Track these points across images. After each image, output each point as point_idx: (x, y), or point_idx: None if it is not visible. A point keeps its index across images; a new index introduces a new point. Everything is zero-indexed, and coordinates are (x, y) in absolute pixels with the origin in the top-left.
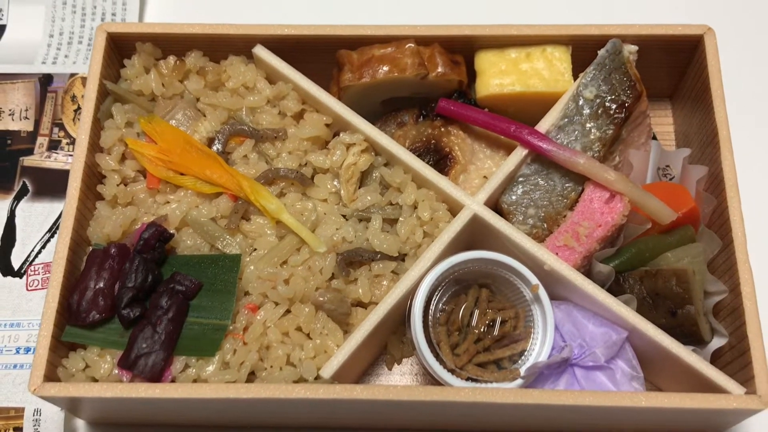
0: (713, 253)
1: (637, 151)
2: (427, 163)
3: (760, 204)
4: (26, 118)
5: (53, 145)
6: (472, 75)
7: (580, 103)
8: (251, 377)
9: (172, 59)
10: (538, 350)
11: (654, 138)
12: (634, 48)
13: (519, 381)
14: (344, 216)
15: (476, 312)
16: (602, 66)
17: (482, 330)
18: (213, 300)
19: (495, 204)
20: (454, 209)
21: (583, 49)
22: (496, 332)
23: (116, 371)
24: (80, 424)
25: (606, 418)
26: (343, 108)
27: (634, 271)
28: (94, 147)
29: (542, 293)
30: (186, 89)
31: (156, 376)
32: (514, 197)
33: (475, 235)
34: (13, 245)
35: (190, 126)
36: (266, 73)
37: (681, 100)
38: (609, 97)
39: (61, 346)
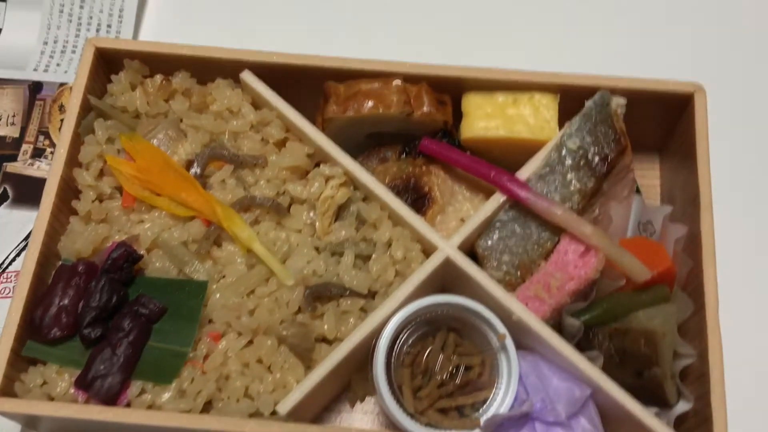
0: (686, 315)
1: (618, 205)
2: (406, 201)
3: (736, 269)
4: (13, 124)
5: (37, 153)
6: (458, 115)
7: (563, 153)
8: (207, 407)
9: (158, 78)
10: (501, 400)
11: (638, 192)
12: (622, 101)
13: (478, 430)
14: (317, 249)
15: (442, 356)
16: (588, 117)
17: (446, 376)
18: (176, 325)
19: (471, 247)
20: (428, 250)
21: (572, 98)
22: (459, 379)
23: (73, 390)
24: None
25: None
26: (326, 140)
27: (604, 327)
28: (73, 161)
29: (509, 343)
30: (170, 109)
31: (111, 398)
32: (489, 242)
33: (448, 277)
34: None
35: (171, 146)
36: (252, 99)
37: (669, 155)
38: (592, 149)
39: (20, 361)
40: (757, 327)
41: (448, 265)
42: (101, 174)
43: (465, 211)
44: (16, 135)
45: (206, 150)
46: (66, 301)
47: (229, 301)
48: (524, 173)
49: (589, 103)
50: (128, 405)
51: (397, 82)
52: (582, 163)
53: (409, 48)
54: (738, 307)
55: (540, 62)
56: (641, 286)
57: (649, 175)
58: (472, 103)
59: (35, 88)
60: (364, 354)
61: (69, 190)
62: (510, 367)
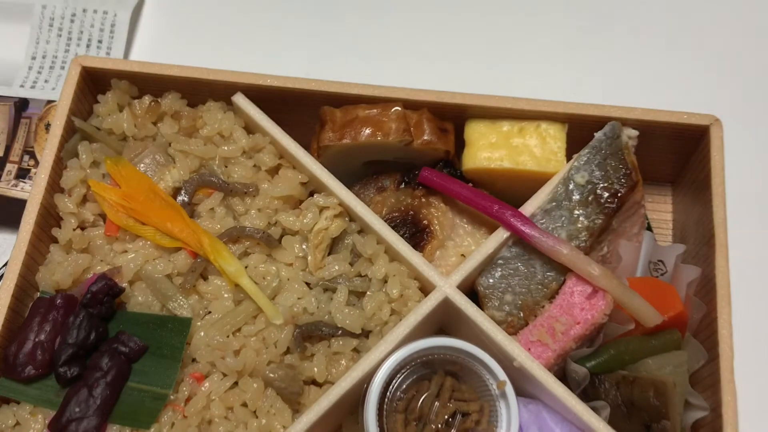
0: (698, 364)
1: (628, 243)
2: (404, 234)
3: (754, 316)
4: None
5: (22, 174)
6: (461, 144)
7: (570, 187)
8: None
9: (147, 99)
10: None
11: (649, 228)
12: (634, 133)
13: None
14: (308, 284)
15: (437, 403)
16: (598, 150)
17: (442, 424)
18: (157, 365)
19: (471, 285)
20: (425, 288)
21: (581, 129)
22: (456, 429)
23: None
24: None
25: None
26: (320, 168)
27: (611, 375)
28: (54, 186)
29: (509, 391)
30: (159, 132)
31: None
32: (491, 281)
33: (446, 317)
34: None
35: (158, 172)
36: (245, 123)
37: (682, 188)
38: (601, 185)
39: None
40: None
41: (446, 304)
42: (84, 200)
43: (466, 246)
44: (0, 154)
45: (195, 177)
46: (42, 337)
47: (213, 340)
48: (529, 208)
49: (599, 135)
50: None
51: (397, 108)
52: (590, 198)
53: (411, 73)
54: (756, 358)
55: (548, 90)
56: (651, 330)
57: (660, 209)
58: (475, 131)
59: (21, 105)
60: (355, 397)
61: (50, 217)
62: (510, 415)
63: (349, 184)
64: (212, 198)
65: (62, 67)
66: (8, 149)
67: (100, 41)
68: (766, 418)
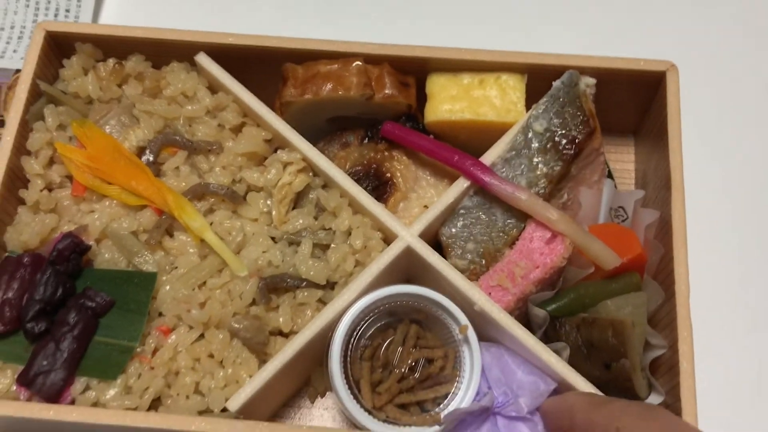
0: (656, 304)
1: (588, 190)
2: (367, 188)
3: (708, 255)
4: None
5: None
6: (422, 98)
7: (529, 135)
8: (156, 404)
9: (111, 62)
10: (463, 394)
11: (610, 176)
12: (591, 81)
13: (437, 427)
14: (273, 238)
15: (401, 349)
16: (556, 98)
17: (407, 369)
18: (123, 319)
19: (435, 235)
20: (389, 239)
21: (540, 79)
22: (419, 373)
23: (15, 387)
24: None
25: None
26: (283, 124)
27: (572, 318)
28: (21, 149)
29: (471, 335)
30: (123, 94)
31: (54, 396)
32: (453, 230)
33: (410, 267)
34: None
35: (123, 133)
36: (208, 83)
37: (644, 138)
38: (560, 132)
39: None
40: (731, 317)
41: (409, 253)
42: (51, 162)
43: (429, 198)
44: None
45: (159, 136)
46: (10, 295)
47: (179, 294)
48: (489, 157)
49: (556, 84)
50: (72, 402)
51: (358, 63)
52: (549, 146)
53: (371, 28)
54: (711, 296)
55: (507, 42)
56: (611, 273)
57: (624, 159)
58: (436, 84)
59: None
60: (322, 346)
61: (17, 179)
62: (472, 359)
63: (313, 141)
64: (177, 157)
65: (30, 37)
66: None
67: (67, 10)
68: (720, 353)
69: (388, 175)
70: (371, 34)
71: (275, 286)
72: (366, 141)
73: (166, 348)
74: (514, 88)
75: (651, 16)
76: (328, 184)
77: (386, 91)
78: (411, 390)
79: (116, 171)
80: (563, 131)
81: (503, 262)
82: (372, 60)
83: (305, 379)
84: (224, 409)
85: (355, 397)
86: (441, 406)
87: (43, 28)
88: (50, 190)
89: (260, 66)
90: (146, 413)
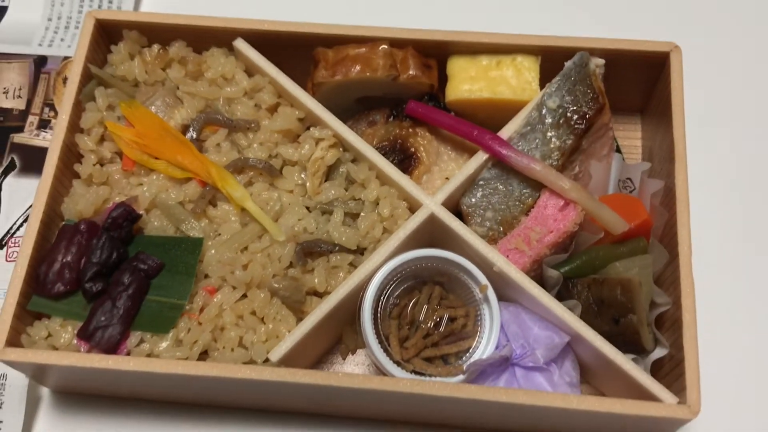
0: (661, 264)
1: (598, 163)
2: (393, 161)
3: (709, 220)
4: (19, 96)
5: (43, 124)
6: (443, 79)
7: (543, 111)
8: (203, 356)
9: (156, 47)
10: (483, 348)
11: (618, 151)
12: (600, 61)
13: (461, 376)
14: (308, 208)
15: (426, 308)
16: (568, 77)
17: (431, 326)
18: (173, 280)
19: (456, 205)
20: (414, 207)
21: (552, 60)
22: (442, 329)
23: (75, 341)
24: (44, 391)
25: (541, 418)
26: (315, 104)
27: (583, 278)
28: (75, 127)
29: (491, 294)
30: (167, 77)
31: (111, 348)
32: (473, 200)
33: (433, 234)
34: None
35: (168, 112)
36: (245, 66)
37: (649, 115)
38: (571, 108)
39: (27, 315)
40: (731, 275)
41: (432, 221)
42: (102, 139)
43: (450, 170)
44: (23, 107)
45: (201, 115)
46: (69, 258)
47: (223, 257)
48: (506, 132)
49: (568, 64)
50: (128, 354)
51: (384, 46)
52: (561, 121)
53: (396, 13)
54: (712, 256)
55: (522, 26)
56: (619, 238)
57: (631, 136)
58: (456, 66)
59: (40, 62)
60: (353, 306)
61: (71, 155)
62: (492, 317)
63: (343, 120)
64: (218, 134)
65: (76, 27)
66: (30, 102)
67: (110, 1)
68: (721, 308)
69: (413, 149)
70: (396, 20)
71: (310, 250)
72: (391, 119)
73: (212, 306)
74: (528, 68)
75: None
76: (357, 158)
77: (410, 72)
78: (435, 345)
79: (163, 147)
80: (575, 107)
81: (520, 227)
82: (397, 44)
83: (338, 336)
84: (266, 360)
85: (386, 351)
86: (463, 359)
87: (92, 16)
88: (102, 164)
89: (293, 50)
90: (196, 362)
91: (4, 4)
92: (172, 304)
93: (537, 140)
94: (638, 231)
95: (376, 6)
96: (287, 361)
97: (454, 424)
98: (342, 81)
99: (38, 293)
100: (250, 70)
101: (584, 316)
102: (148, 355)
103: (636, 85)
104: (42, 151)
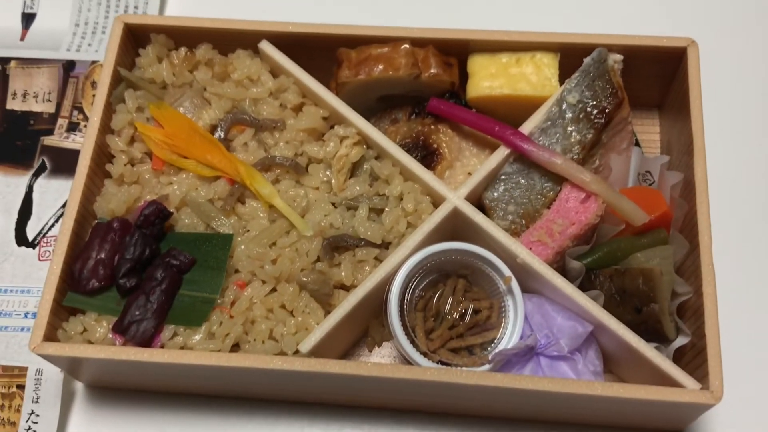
0: (682, 254)
1: (618, 156)
2: (415, 157)
3: (728, 210)
4: (49, 100)
5: (72, 127)
6: (464, 76)
7: (563, 107)
8: (235, 348)
9: (183, 50)
10: (508, 339)
11: (637, 144)
12: (619, 57)
13: (487, 366)
14: (333, 204)
15: (451, 300)
16: (587, 73)
17: (456, 317)
18: (204, 275)
19: (478, 200)
20: (437, 202)
21: (571, 57)
22: (467, 320)
23: (110, 335)
24: (78, 386)
25: (567, 406)
26: (340, 103)
27: (605, 269)
28: (106, 129)
29: (515, 285)
30: (195, 79)
31: (146, 341)
32: (495, 194)
33: (457, 228)
34: (29, 218)
35: (196, 113)
36: (270, 67)
37: (667, 110)
38: (591, 103)
39: (62, 310)
40: (750, 264)
41: (456, 215)
42: (132, 140)
43: (472, 165)
44: (52, 111)
45: (229, 115)
46: (103, 255)
47: (253, 252)
48: (527, 128)
49: (587, 60)
50: (162, 347)
51: (406, 45)
52: (581, 116)
53: (417, 13)
54: (731, 246)
55: (541, 23)
56: (640, 230)
57: (650, 131)
58: (477, 63)
59: (69, 66)
60: (379, 300)
61: (103, 156)
62: (516, 308)
63: (366, 118)
64: (245, 134)
65: (103, 32)
66: (59, 106)
67: (136, 7)
68: (741, 296)
69: (435, 146)
70: (417, 20)
71: (337, 245)
72: (413, 116)
73: (243, 299)
74: (548, 65)
75: None
76: (381, 155)
77: (432, 71)
78: (460, 336)
79: (192, 146)
80: (594, 102)
81: (542, 220)
82: (418, 43)
83: (363, 330)
84: (296, 352)
85: (412, 342)
86: (488, 349)
87: (121, 21)
88: (133, 164)
89: (317, 51)
90: (229, 354)
91: (34, 11)
92: (204, 299)
93: (557, 135)
94: (658, 222)
95: (397, 7)
96: (317, 352)
97: (478, 414)
98: (365, 80)
99: (73, 289)
100: (275, 71)
101: (607, 306)
102: (182, 348)
103: (654, 80)
104: (71, 153)
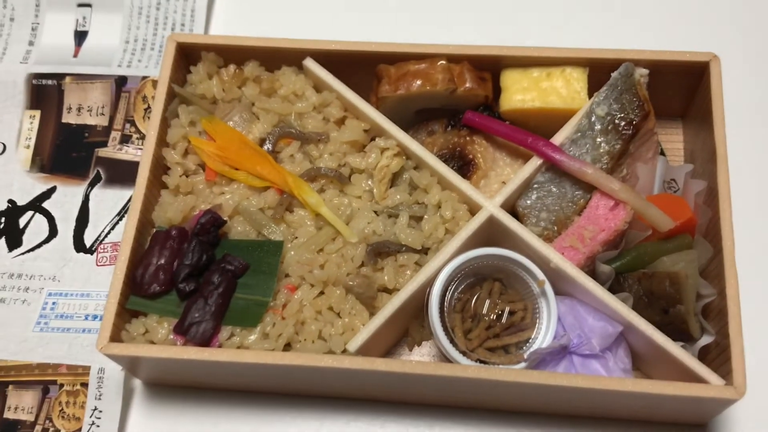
0: (706, 259)
1: (644, 165)
2: (452, 167)
3: (750, 216)
4: (102, 114)
5: (124, 139)
6: (497, 90)
7: (593, 119)
8: (287, 348)
9: (232, 67)
10: (542, 338)
11: (662, 153)
12: (645, 71)
13: (522, 364)
14: (376, 212)
15: (488, 302)
16: (614, 87)
17: (493, 318)
18: (257, 279)
19: (512, 207)
20: (473, 210)
21: (599, 71)
22: (504, 321)
23: (171, 336)
24: (137, 383)
25: (599, 401)
26: (380, 116)
27: (633, 273)
28: (161, 142)
29: (548, 288)
30: (243, 94)
31: (205, 341)
32: (528, 201)
33: (492, 234)
34: (86, 226)
35: (245, 127)
36: (314, 83)
37: (690, 120)
38: (619, 115)
39: (125, 313)
40: None
41: (491, 222)
42: (186, 153)
43: (506, 175)
44: (106, 124)
45: (276, 129)
46: (162, 261)
47: (302, 258)
48: (558, 139)
49: (615, 74)
50: (220, 347)
51: (442, 62)
52: (610, 127)
53: (452, 31)
54: (753, 250)
55: (570, 40)
56: (666, 235)
57: (673, 140)
58: (509, 78)
59: (120, 81)
60: (419, 302)
61: (159, 167)
62: (549, 309)
63: (403, 131)
64: (291, 146)
65: (152, 48)
66: (112, 119)
67: (182, 24)
68: (763, 298)
69: (470, 156)
70: (453, 37)
71: (380, 250)
72: (449, 128)
73: (293, 302)
74: (577, 79)
75: (698, 9)
76: (419, 165)
77: (467, 85)
78: (497, 336)
79: (242, 159)
80: (622, 114)
81: (573, 227)
82: (454, 59)
83: (405, 330)
84: (344, 351)
85: (452, 342)
86: (523, 348)
87: (174, 39)
88: (187, 175)
89: (358, 67)
90: (283, 353)
91: (86, 28)
92: (258, 301)
93: (587, 145)
94: (683, 228)
95: (433, 25)
96: (363, 351)
97: (509, 409)
98: (404, 95)
99: (136, 293)
100: (319, 87)
101: (635, 308)
102: (238, 348)
103: (678, 92)
104: (124, 164)
